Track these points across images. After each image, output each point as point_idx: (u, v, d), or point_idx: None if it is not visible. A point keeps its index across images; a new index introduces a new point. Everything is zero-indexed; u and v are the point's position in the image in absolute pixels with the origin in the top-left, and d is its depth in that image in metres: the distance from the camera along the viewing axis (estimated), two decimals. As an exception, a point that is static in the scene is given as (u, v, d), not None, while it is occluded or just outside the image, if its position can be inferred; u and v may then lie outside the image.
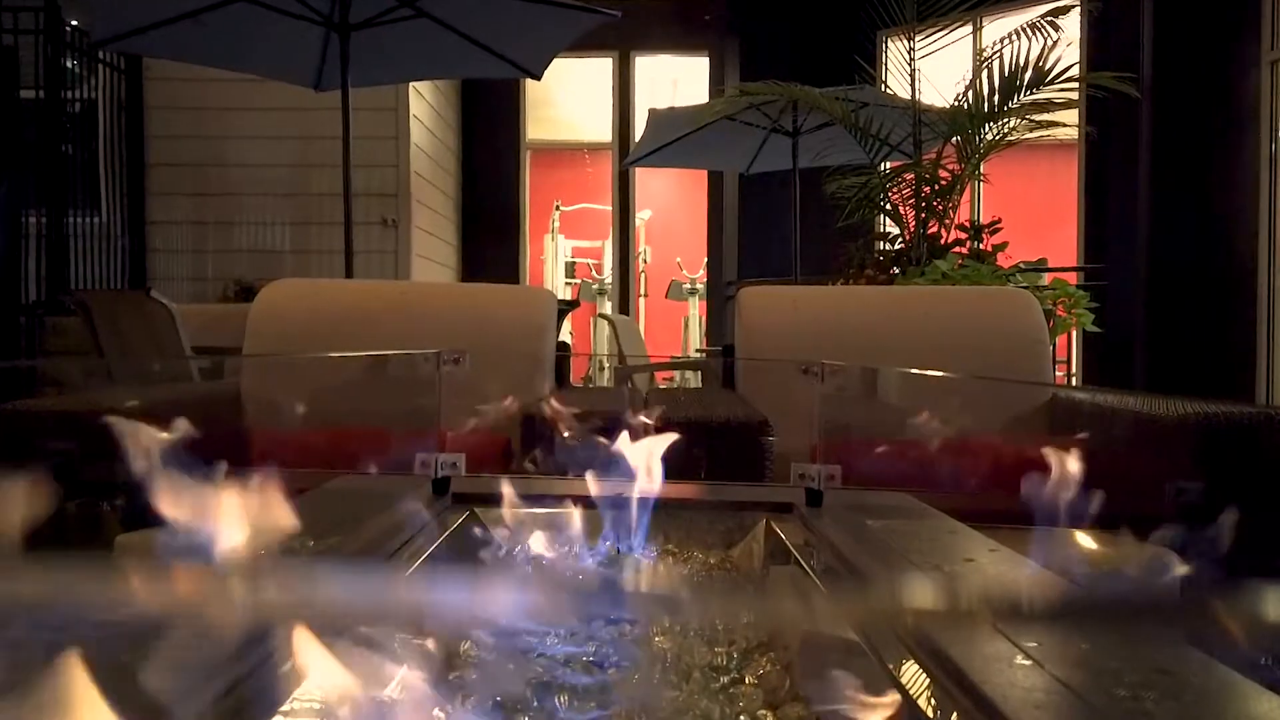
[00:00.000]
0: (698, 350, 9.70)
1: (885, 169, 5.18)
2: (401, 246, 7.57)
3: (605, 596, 0.41)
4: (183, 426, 0.86)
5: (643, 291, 10.47)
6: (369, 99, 6.18)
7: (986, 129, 4.66)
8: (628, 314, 9.61)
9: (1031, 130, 4.70)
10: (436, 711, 0.66)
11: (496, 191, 9.59)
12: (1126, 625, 0.44)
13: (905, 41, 5.10)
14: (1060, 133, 5.05)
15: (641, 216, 10.45)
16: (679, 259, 10.54)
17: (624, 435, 1.10)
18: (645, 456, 1.07)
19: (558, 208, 10.92)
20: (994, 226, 4.78)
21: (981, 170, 4.98)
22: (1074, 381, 6.88)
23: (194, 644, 0.62)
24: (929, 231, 4.70)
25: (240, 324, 2.87)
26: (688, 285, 10.30)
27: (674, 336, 10.61)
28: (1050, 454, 0.96)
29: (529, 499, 1.29)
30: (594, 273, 10.91)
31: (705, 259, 9.75)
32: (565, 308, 6.09)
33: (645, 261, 10.66)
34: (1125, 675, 0.65)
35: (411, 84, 7.47)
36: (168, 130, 7.44)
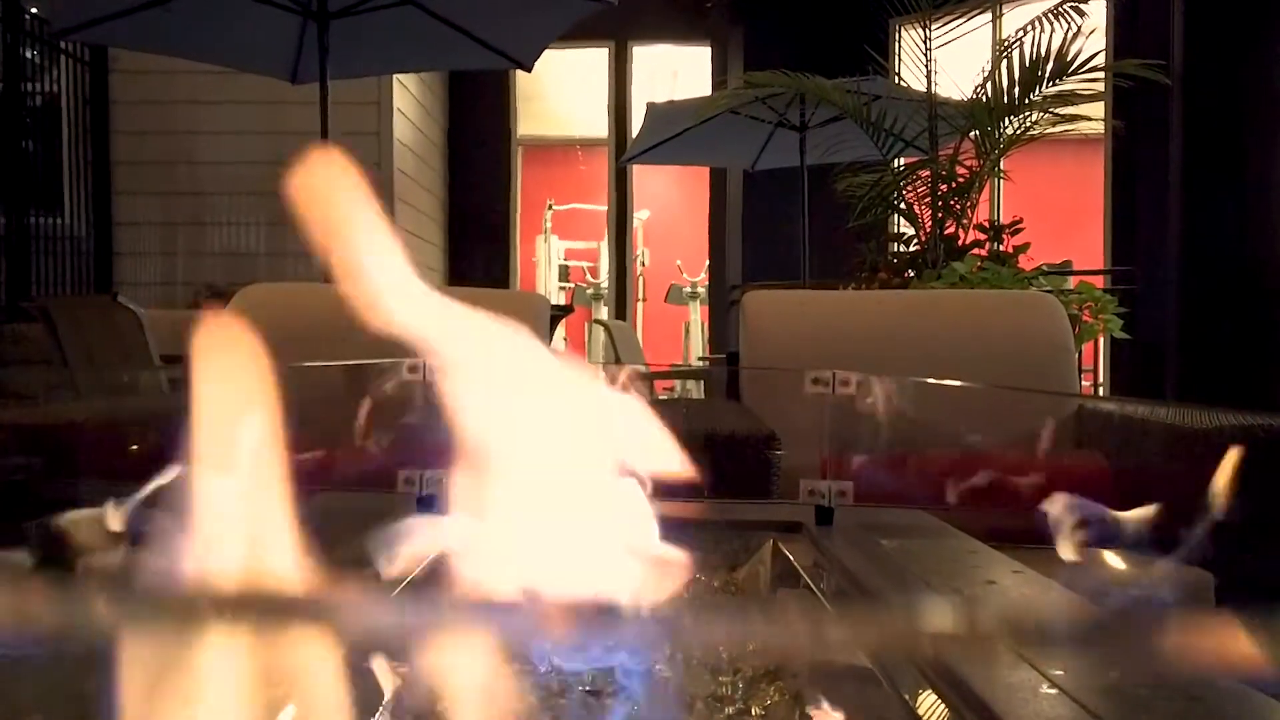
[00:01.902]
0: (699, 358, 9.69)
1: (899, 166, 5.19)
2: (384, 249, 7.57)
3: (602, 621, 0.41)
4: (151, 441, 0.86)
5: (641, 296, 10.48)
6: (349, 92, 6.19)
7: (1007, 123, 4.67)
8: (625, 320, 9.62)
9: (1055, 124, 4.70)
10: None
11: (485, 190, 9.60)
12: (1158, 651, 0.44)
13: (920, 30, 5.11)
14: (1085, 126, 5.06)
15: (639, 216, 10.46)
16: (679, 261, 10.55)
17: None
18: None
19: (550, 207, 10.93)
20: (1015, 227, 4.78)
21: (1002, 167, 4.99)
22: (1101, 391, 6.88)
23: (163, 672, 0.62)
24: (946, 232, 4.70)
25: (212, 332, 2.87)
26: (689, 289, 10.31)
27: (674, 344, 10.62)
28: (1077, 468, 0.96)
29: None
30: (589, 276, 10.92)
31: (707, 261, 9.77)
32: (558, 313, 6.09)
33: (643, 264, 10.67)
34: (1156, 704, 0.65)
35: (395, 76, 7.49)
36: (135, 125, 7.45)
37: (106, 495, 0.80)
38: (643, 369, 6.04)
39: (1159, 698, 0.66)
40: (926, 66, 5.05)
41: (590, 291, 10.56)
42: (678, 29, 9.60)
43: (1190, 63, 6.21)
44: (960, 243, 4.67)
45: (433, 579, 1.07)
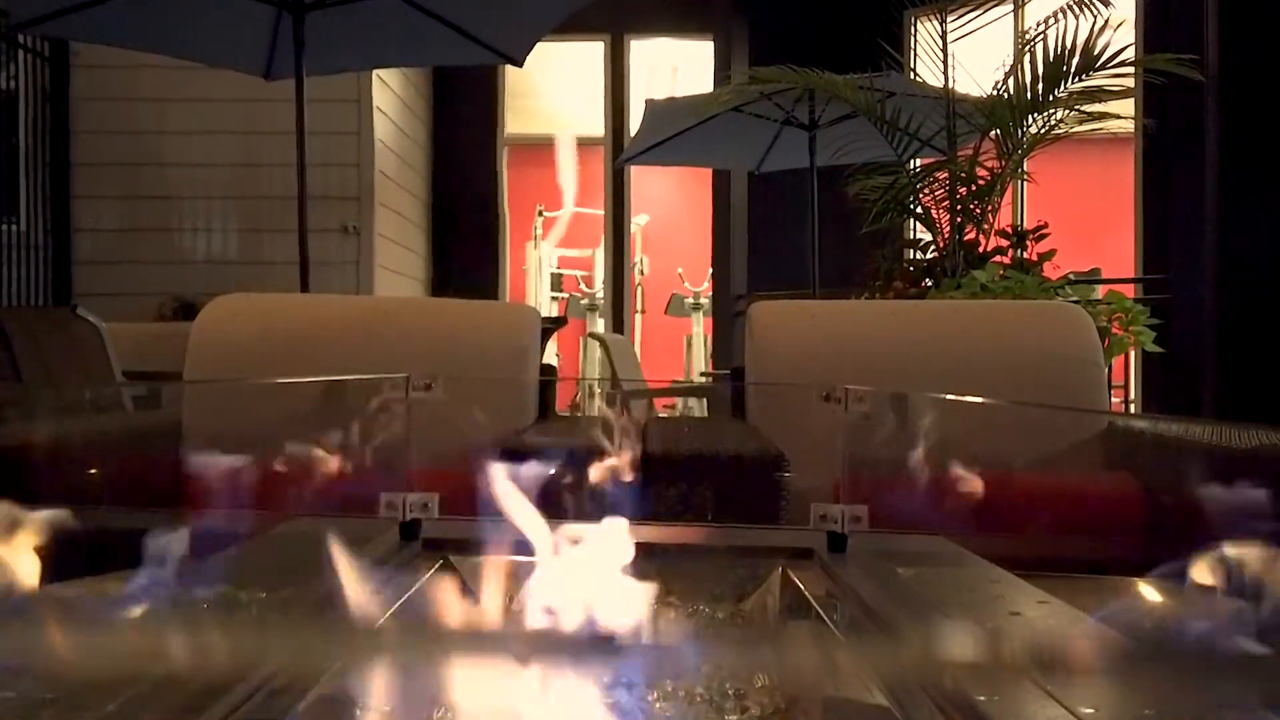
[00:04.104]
0: (702, 374, 9.70)
1: (915, 167, 5.20)
2: (364, 256, 7.59)
3: (599, 655, 0.41)
4: (115, 463, 0.86)
5: (639, 307, 10.49)
6: (327, 89, 6.20)
7: (1030, 121, 4.68)
8: (622, 333, 9.63)
9: (1081, 122, 4.72)
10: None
11: (472, 194, 9.62)
12: (1195, 687, 0.44)
13: (937, 22, 5.13)
14: (1114, 125, 5.07)
15: (637, 222, 10.48)
16: (680, 270, 10.57)
17: (619, 472, 1.10)
18: (644, 495, 1.07)
19: (541, 212, 10.95)
20: (1040, 232, 4.79)
21: (1025, 168, 5.00)
22: (1133, 409, 6.88)
23: (133, 706, 0.62)
24: (966, 238, 4.71)
25: (180, 345, 2.87)
26: (690, 299, 10.32)
27: (675, 358, 10.63)
28: (1106, 492, 0.96)
29: (511, 545, 1.28)
30: (583, 286, 10.94)
31: (710, 270, 9.78)
32: (551, 326, 6.09)
33: (642, 273, 10.69)
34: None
35: (375, 72, 7.51)
36: (97, 124, 7.46)
37: (64, 521, 0.80)
38: (641, 386, 6.04)
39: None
40: (944, 61, 5.07)
41: (585, 302, 10.56)
42: (678, 21, 9.63)
43: (1226, 57, 6.22)
44: (981, 249, 4.68)
45: (420, 608, 1.07)
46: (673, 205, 11.38)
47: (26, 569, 0.71)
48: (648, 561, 1.29)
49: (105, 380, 3.56)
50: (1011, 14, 6.89)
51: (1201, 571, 0.89)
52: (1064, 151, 5.12)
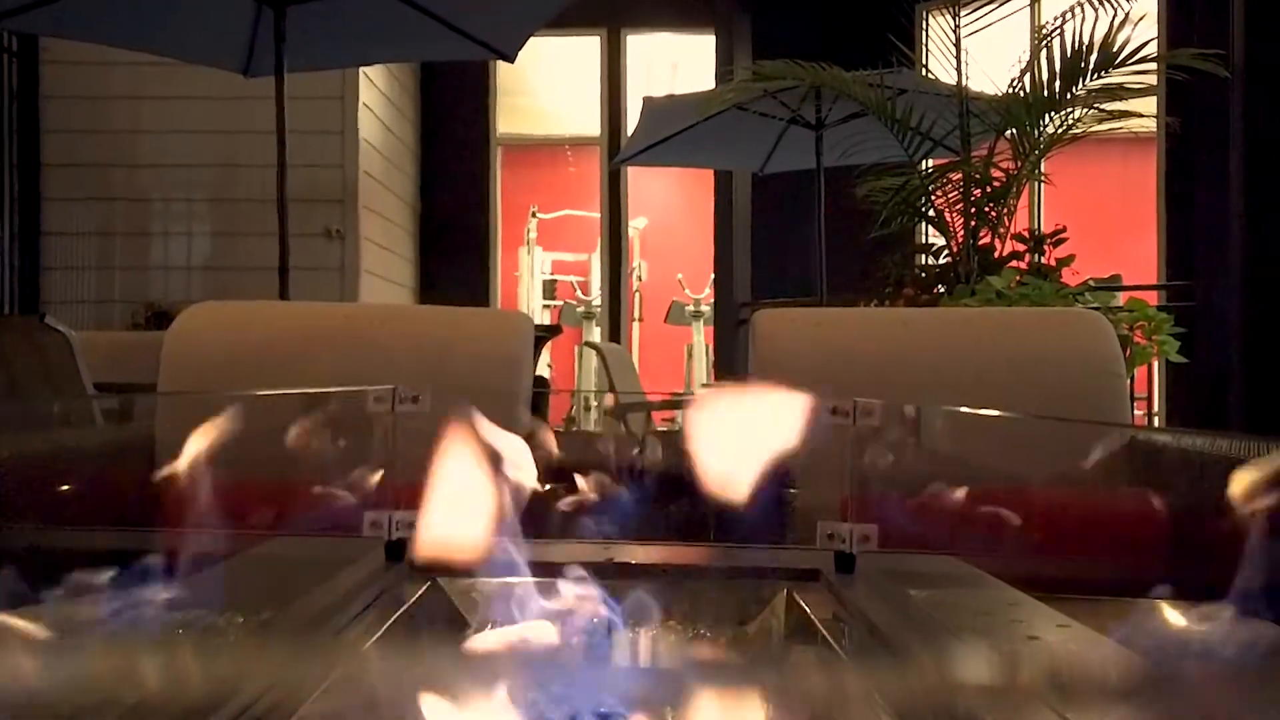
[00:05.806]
0: (704, 385, 9.70)
1: (927, 168, 5.21)
2: (348, 262, 7.59)
3: (595, 682, 0.41)
4: (84, 479, 0.86)
5: (637, 315, 10.50)
6: (309, 86, 6.21)
7: (1047, 120, 4.69)
8: (619, 342, 9.64)
9: (1101, 121, 4.73)
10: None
11: (461, 196, 9.63)
12: (1222, 713, 0.44)
13: (949, 17, 5.14)
14: (1136, 124, 5.08)
15: (635, 225, 10.49)
16: (680, 276, 10.57)
17: (616, 488, 1.10)
18: (641, 513, 1.07)
19: (534, 215, 10.96)
20: (1058, 237, 4.80)
21: (1042, 169, 5.01)
22: (1156, 421, 6.88)
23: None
24: (980, 243, 4.72)
25: (153, 355, 2.86)
26: (691, 307, 10.33)
27: (675, 368, 10.63)
28: (1129, 509, 0.96)
29: (501, 567, 1.28)
30: (579, 292, 10.94)
31: (712, 276, 9.78)
32: (544, 335, 6.09)
33: (640, 279, 10.69)
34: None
35: (361, 69, 7.52)
36: (68, 123, 7.47)
37: (31, 540, 0.80)
38: (639, 398, 6.03)
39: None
40: (957, 57, 5.08)
41: (580, 310, 10.57)
42: (677, 15, 9.65)
43: (1252, 52, 6.23)
44: (996, 254, 4.69)
45: (406, 631, 1.07)
46: (672, 208, 11.39)
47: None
48: (645, 583, 1.29)
49: (75, 392, 3.56)
50: (1028, 8, 6.91)
51: (1228, 592, 0.89)
52: (1083, 152, 5.13)
